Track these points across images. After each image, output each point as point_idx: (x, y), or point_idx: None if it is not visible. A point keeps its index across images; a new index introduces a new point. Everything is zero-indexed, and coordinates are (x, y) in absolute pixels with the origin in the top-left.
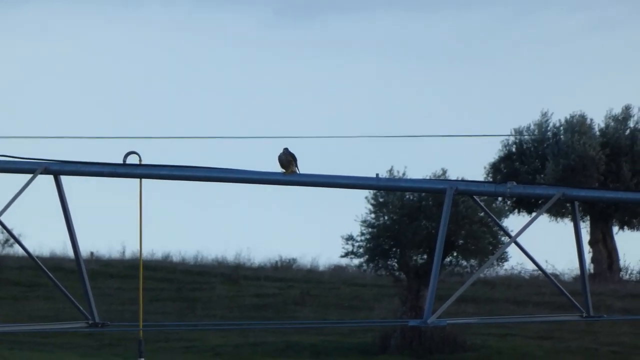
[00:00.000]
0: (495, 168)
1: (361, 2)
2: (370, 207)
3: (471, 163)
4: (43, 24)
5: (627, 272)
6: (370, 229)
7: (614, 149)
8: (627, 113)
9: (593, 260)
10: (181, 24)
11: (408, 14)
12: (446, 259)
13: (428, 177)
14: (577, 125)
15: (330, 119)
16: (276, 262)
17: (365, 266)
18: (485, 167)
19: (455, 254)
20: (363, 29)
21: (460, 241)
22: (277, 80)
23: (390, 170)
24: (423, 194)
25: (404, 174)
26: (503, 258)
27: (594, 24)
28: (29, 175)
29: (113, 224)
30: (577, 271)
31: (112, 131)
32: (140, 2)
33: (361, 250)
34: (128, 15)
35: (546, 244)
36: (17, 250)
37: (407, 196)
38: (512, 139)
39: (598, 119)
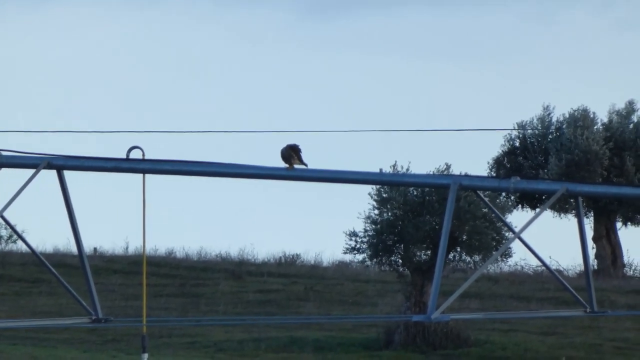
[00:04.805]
0: (498, 163)
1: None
2: (374, 203)
3: (475, 158)
4: (49, 19)
5: (630, 268)
6: (373, 226)
7: (618, 144)
8: (630, 108)
9: (597, 256)
10: (198, 22)
11: (414, 11)
12: (450, 255)
13: (432, 173)
14: (580, 120)
15: (334, 114)
16: (280, 258)
17: (368, 262)
18: (488, 162)
19: (458, 249)
20: (372, 26)
21: (464, 237)
22: (280, 76)
23: (394, 166)
24: (426, 189)
25: (407, 170)
26: (507, 254)
27: (599, 22)
28: (32, 170)
29: (116, 220)
30: (580, 267)
31: (115, 125)
32: None
33: (364, 246)
34: (136, 12)
35: (550, 239)
36: (21, 246)
37: (411, 192)
38: (515, 133)
39: (601, 114)
